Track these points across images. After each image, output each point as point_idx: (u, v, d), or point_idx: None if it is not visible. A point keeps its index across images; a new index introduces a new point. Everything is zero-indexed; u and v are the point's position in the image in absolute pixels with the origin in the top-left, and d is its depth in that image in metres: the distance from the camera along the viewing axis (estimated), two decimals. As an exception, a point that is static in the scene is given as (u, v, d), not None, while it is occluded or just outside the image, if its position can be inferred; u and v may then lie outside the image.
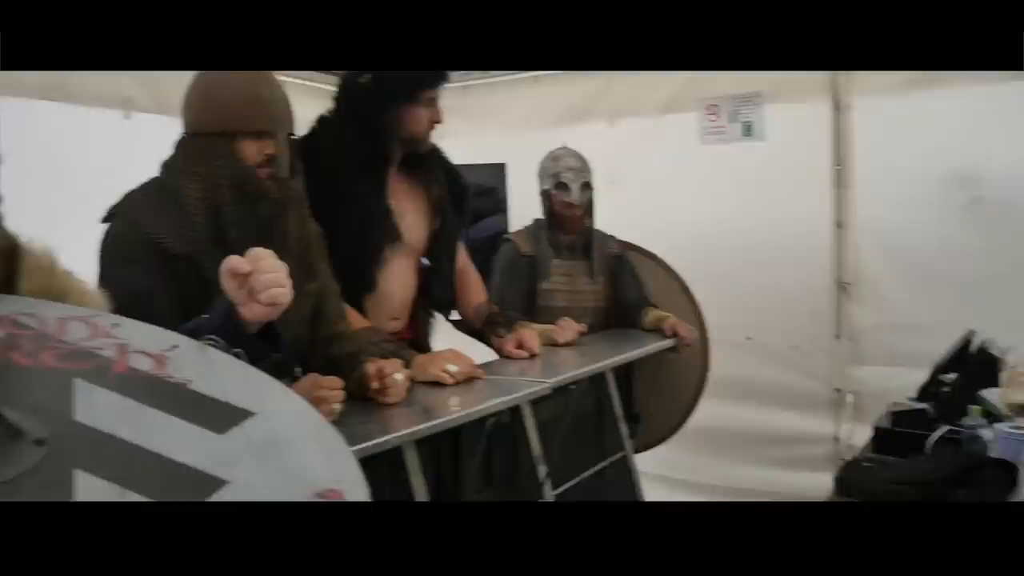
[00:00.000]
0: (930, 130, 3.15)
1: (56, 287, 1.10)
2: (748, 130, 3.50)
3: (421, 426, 1.60)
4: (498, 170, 4.13)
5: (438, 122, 2.17)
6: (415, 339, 2.24)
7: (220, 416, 0.81)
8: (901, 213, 3.26)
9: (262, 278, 1.15)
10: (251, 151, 1.56)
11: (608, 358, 2.41)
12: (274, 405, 0.87)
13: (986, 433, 2.38)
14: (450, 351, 2.05)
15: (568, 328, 2.56)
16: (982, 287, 3.08)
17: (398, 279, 2.17)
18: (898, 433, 2.63)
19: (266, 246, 1.22)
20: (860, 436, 2.86)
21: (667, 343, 2.72)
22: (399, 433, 1.55)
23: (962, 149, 3.10)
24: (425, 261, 2.24)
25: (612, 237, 3.00)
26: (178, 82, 3.29)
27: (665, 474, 3.56)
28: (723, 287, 3.37)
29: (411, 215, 2.18)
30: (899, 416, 2.75)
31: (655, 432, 3.05)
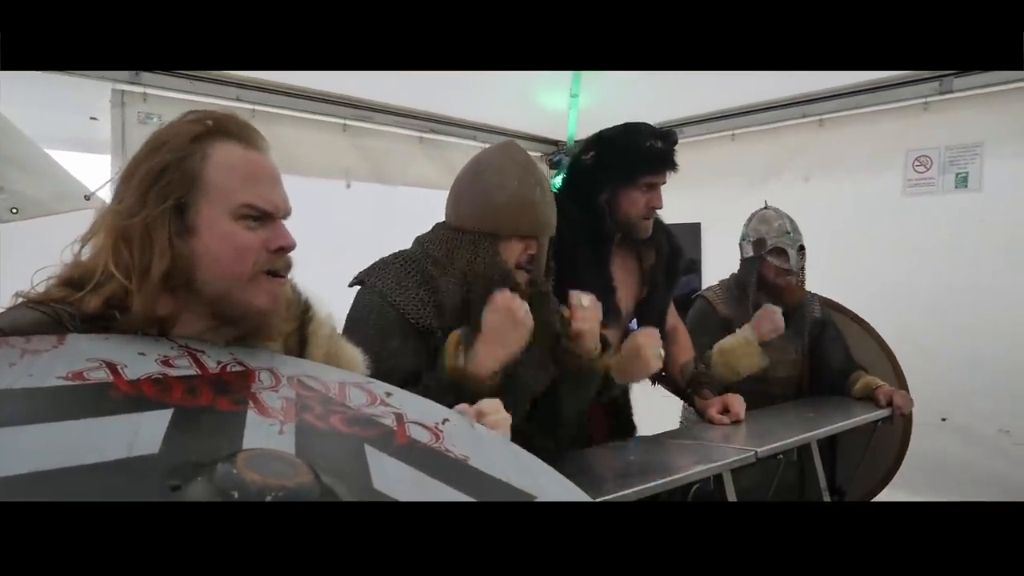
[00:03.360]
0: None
1: (334, 352, 1.22)
2: (963, 182, 3.28)
3: (627, 491, 1.57)
4: (693, 229, 4.11)
5: (656, 207, 2.17)
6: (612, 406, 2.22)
7: (504, 496, 0.87)
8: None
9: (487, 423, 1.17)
10: (514, 252, 1.62)
11: (815, 427, 2.29)
12: (551, 490, 0.91)
13: None
14: None
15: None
16: None
17: None
18: None
19: None
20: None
21: (882, 413, 2.55)
22: (604, 498, 1.52)
23: None
24: (632, 327, 2.26)
25: (816, 297, 2.86)
26: (388, 152, 3.62)
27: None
28: (920, 357, 3.07)
29: (623, 284, 2.20)
30: None
31: (850, 499, 2.86)
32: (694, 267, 3.96)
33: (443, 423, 1.02)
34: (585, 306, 1.70)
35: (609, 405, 2.16)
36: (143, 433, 0.74)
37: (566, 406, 1.80)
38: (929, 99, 3.28)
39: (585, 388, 1.82)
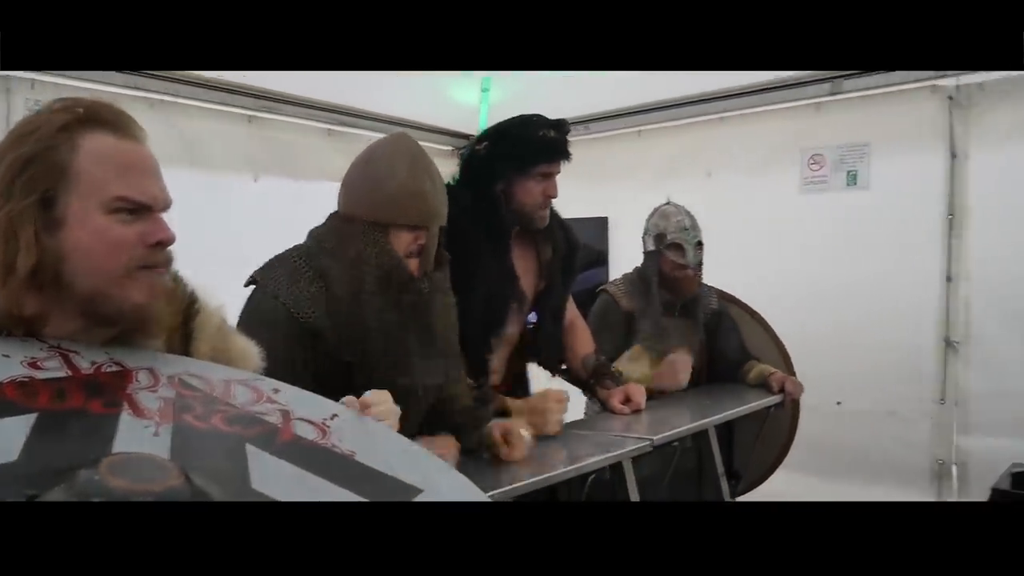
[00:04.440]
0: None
1: (222, 346, 1.20)
2: (853, 179, 3.45)
3: (521, 483, 1.60)
4: (600, 224, 4.19)
5: (552, 197, 2.20)
6: (510, 391, 2.25)
7: (389, 491, 0.87)
8: (1018, 267, 3.12)
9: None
10: (404, 242, 1.61)
11: (712, 414, 2.40)
12: (440, 483, 0.92)
13: (1119, 498, 2.26)
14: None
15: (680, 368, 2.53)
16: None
17: (503, 338, 2.22)
18: (1019, 496, 2.52)
19: (407, 335, 1.27)
20: (965, 513, 2.69)
21: (774, 399, 2.68)
22: (500, 490, 1.55)
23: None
24: (531, 319, 2.29)
25: (713, 290, 2.97)
26: (296, 145, 3.55)
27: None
28: (814, 346, 3.25)
29: (521, 276, 2.22)
30: (1019, 477, 2.63)
31: (744, 482, 2.99)
32: (602, 261, 4.05)
33: (331, 419, 1.02)
34: (527, 441, 1.75)
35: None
36: (1, 440, 0.71)
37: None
38: (821, 100, 3.45)
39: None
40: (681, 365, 2.56)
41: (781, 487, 3.19)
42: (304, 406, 1.03)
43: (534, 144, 2.12)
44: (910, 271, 3.33)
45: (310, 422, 0.99)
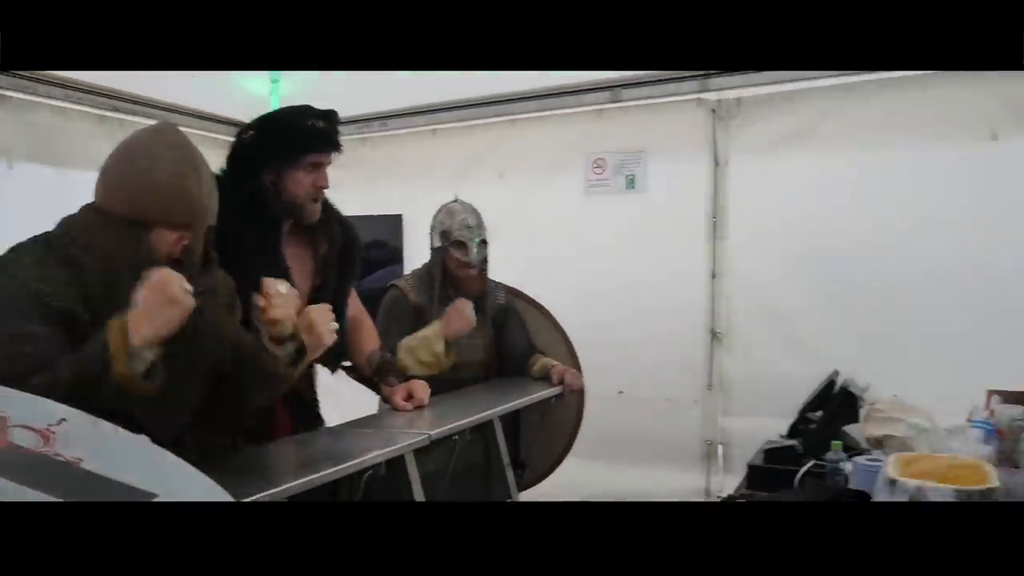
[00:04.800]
0: (802, 186, 3.40)
1: None
2: (631, 183, 3.69)
3: (295, 482, 1.55)
4: (394, 221, 4.20)
5: (323, 187, 2.15)
6: (295, 391, 2.17)
7: (118, 497, 0.82)
8: (771, 265, 3.49)
9: None
10: (166, 241, 1.51)
11: (491, 407, 2.47)
12: (180, 487, 0.88)
13: (846, 466, 2.58)
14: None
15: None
16: (842, 335, 3.33)
17: None
18: (770, 469, 2.81)
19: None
20: (731, 488, 2.98)
21: (554, 390, 2.80)
22: (272, 491, 1.48)
23: (832, 204, 3.34)
24: None
25: (500, 286, 3.05)
26: (60, 130, 3.26)
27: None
28: (598, 339, 3.47)
29: (297, 273, 2.15)
30: (771, 453, 2.94)
31: (533, 473, 3.13)
32: (397, 258, 4.06)
33: (58, 424, 0.95)
34: (282, 293, 1.66)
35: (294, 400, 2.14)
36: None
37: (246, 400, 1.76)
38: (603, 107, 3.66)
39: (271, 381, 1.76)
40: (464, 305, 2.60)
41: (570, 474, 3.37)
42: (26, 410, 0.95)
43: (303, 133, 2.07)
44: (681, 269, 3.63)
45: (32, 428, 0.92)
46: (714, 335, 3.64)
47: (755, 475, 2.82)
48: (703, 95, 3.48)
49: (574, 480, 3.49)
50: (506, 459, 2.63)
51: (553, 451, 3.13)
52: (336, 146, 2.15)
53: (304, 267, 2.22)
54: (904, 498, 1.96)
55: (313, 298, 2.21)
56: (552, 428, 3.01)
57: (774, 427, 3.06)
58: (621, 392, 3.72)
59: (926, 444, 2.74)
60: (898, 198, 3.20)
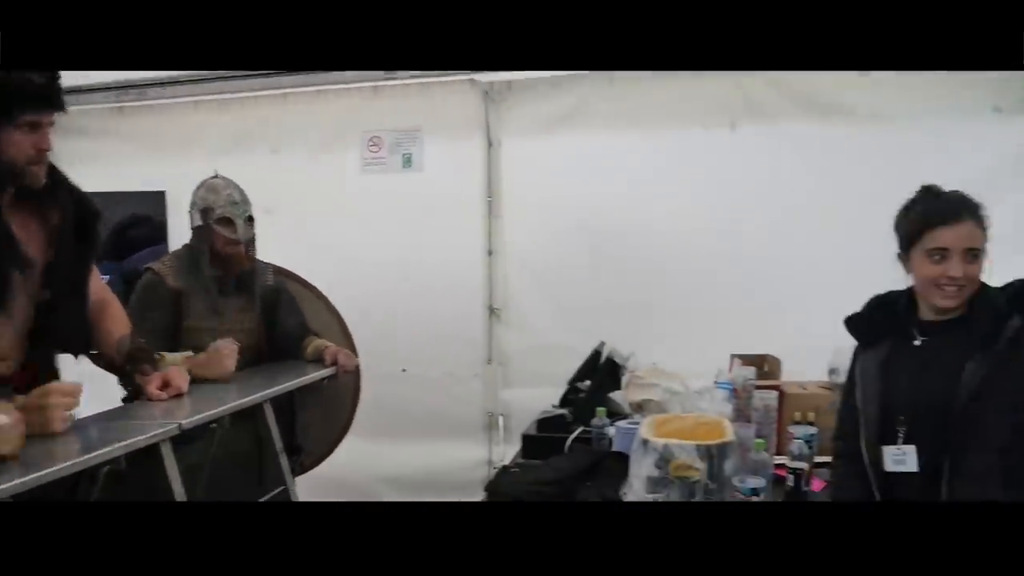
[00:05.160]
0: (573, 166, 3.55)
1: None
2: (408, 162, 3.68)
3: (12, 482, 1.40)
4: (158, 197, 3.91)
5: (44, 150, 1.92)
6: (32, 383, 1.90)
7: None
8: (545, 241, 3.63)
9: None
10: None
11: (263, 391, 2.37)
12: None
13: (611, 430, 2.75)
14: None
15: (226, 354, 2.46)
16: (610, 307, 3.53)
17: (6, 315, 1.91)
18: (542, 438, 2.94)
19: None
20: (511, 458, 3.08)
21: (327, 372, 2.74)
22: None
23: (598, 183, 3.52)
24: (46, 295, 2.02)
25: (269, 266, 2.92)
26: None
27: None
28: (379, 318, 3.53)
29: (26, 242, 1.92)
30: (543, 423, 3.07)
31: (312, 456, 3.07)
32: (161, 237, 3.79)
33: None
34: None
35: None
36: None
37: None
38: (378, 83, 3.61)
39: None
40: (226, 351, 2.47)
41: (358, 453, 3.37)
42: None
43: (16, 90, 1.85)
44: (458, 247, 3.69)
45: None
46: (492, 311, 3.74)
47: (529, 444, 2.94)
48: (475, 76, 3.53)
49: (361, 459, 3.50)
50: (279, 445, 2.54)
51: (331, 433, 3.07)
52: (57, 105, 1.93)
53: (35, 239, 1.99)
54: (654, 456, 2.13)
55: (47, 275, 2.00)
56: (329, 410, 2.95)
57: (551, 396, 3.20)
58: (404, 370, 3.74)
59: (679, 406, 2.98)
60: (654, 179, 3.45)
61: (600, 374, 3.16)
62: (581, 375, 3.22)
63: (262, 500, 2.48)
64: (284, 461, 2.58)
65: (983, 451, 1.60)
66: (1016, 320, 1.65)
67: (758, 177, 3.33)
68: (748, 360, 3.20)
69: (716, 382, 2.84)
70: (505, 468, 2.93)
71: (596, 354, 3.23)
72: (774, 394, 2.49)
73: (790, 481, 2.25)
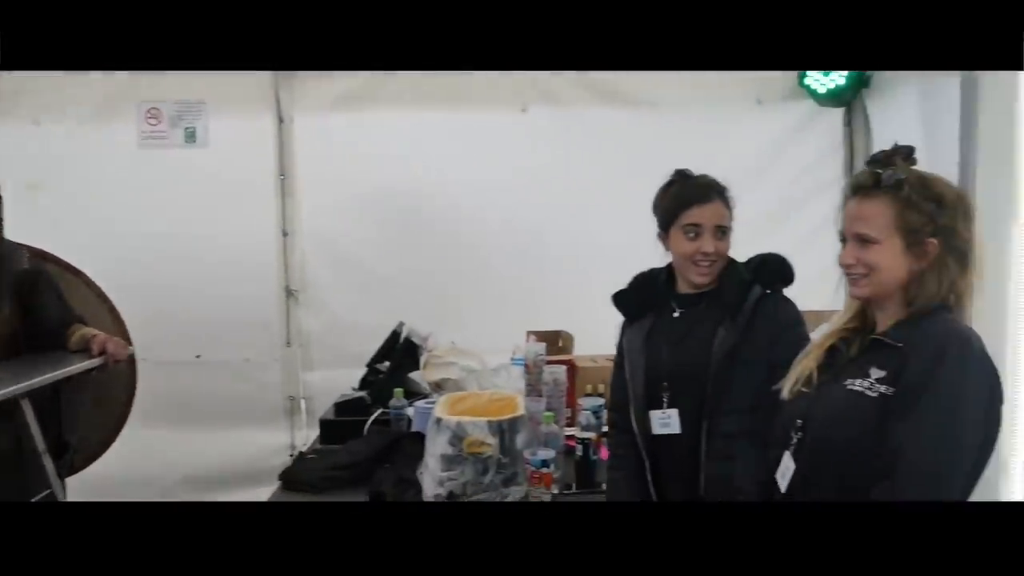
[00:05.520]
0: (368, 145, 3.48)
1: None
2: (192, 137, 3.45)
3: None
4: None
5: None
6: None
7: None
8: (342, 221, 3.56)
9: None
10: None
11: (16, 386, 2.14)
12: None
13: (409, 411, 2.75)
14: None
15: None
16: (410, 286, 3.53)
17: None
18: (341, 422, 2.88)
19: None
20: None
21: (93, 362, 2.51)
22: None
23: (395, 163, 3.49)
24: None
25: (23, 248, 2.62)
26: None
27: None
28: (167, 303, 3.33)
29: None
30: (341, 406, 3.01)
31: (83, 455, 2.82)
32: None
33: None
34: None
35: None
36: None
37: None
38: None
39: None
40: None
41: (151, 445, 3.23)
42: None
43: None
44: (251, 227, 3.53)
45: None
46: (289, 292, 3.62)
47: (328, 429, 2.88)
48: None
49: (153, 453, 3.32)
50: (40, 444, 2.31)
51: (104, 428, 2.84)
52: None
53: None
54: (448, 434, 2.15)
55: None
56: (100, 404, 2.72)
57: (354, 377, 3.17)
58: (199, 356, 3.55)
59: (476, 383, 3.04)
60: (450, 158, 3.48)
61: (399, 355, 3.15)
62: (380, 356, 3.20)
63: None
64: (48, 462, 2.35)
65: (734, 412, 1.74)
66: (757, 290, 1.81)
67: (549, 159, 3.45)
68: (542, 336, 3.31)
69: (512, 359, 2.91)
70: (302, 455, 2.86)
71: (395, 335, 3.22)
72: (563, 368, 2.59)
73: (579, 451, 2.35)
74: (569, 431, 2.58)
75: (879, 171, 1.37)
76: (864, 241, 1.37)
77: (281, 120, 3.49)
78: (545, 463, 2.14)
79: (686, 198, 1.83)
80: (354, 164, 3.49)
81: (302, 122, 3.51)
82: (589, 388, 2.72)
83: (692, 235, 1.80)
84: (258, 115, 3.47)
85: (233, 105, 3.45)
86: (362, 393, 3.06)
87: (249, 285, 3.54)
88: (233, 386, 3.56)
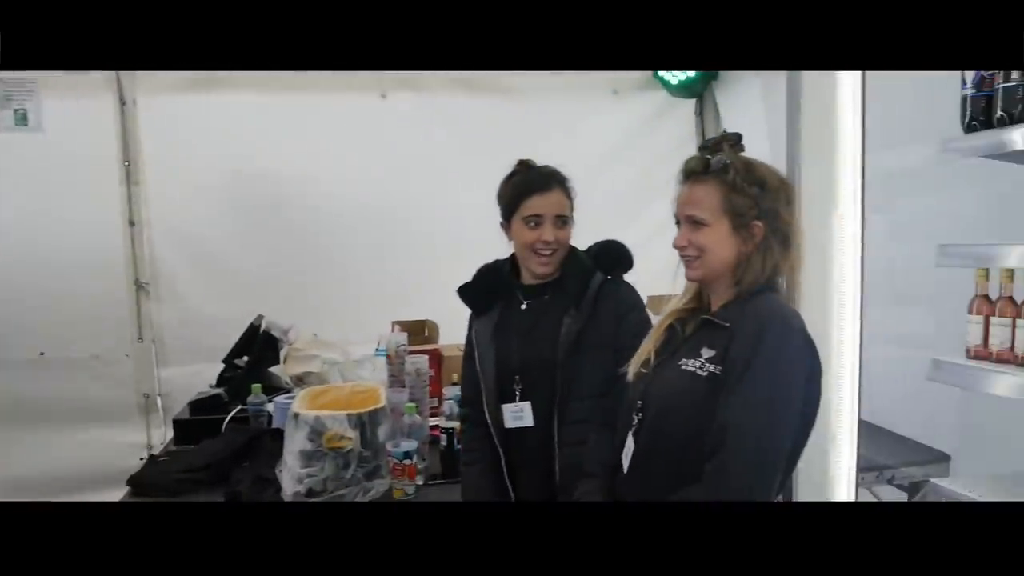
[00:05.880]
0: (219, 129, 3.33)
1: None
2: (23, 119, 3.19)
3: None
4: None
5: None
6: None
7: None
8: (194, 209, 3.39)
9: None
10: None
11: None
12: None
13: (269, 407, 2.66)
14: None
15: None
16: (269, 277, 3.42)
17: None
18: (196, 421, 2.76)
19: None
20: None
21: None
22: None
23: (249, 149, 3.36)
24: None
25: None
26: None
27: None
28: (5, 300, 3.12)
29: None
30: (196, 405, 2.89)
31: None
32: None
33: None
34: None
35: None
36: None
37: None
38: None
39: None
40: None
41: None
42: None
43: None
44: (94, 217, 3.32)
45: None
46: (139, 285, 3.44)
47: (182, 429, 2.75)
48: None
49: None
50: None
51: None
52: None
53: None
54: (306, 429, 2.09)
55: None
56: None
57: (211, 371, 3.06)
58: (43, 354, 3.33)
59: (339, 376, 2.99)
60: (306, 143, 3.38)
61: (258, 349, 3.05)
62: (238, 351, 3.09)
63: None
64: None
65: (582, 398, 1.75)
66: (598, 276, 1.82)
67: (411, 145, 3.41)
68: (407, 326, 3.28)
69: (376, 350, 2.87)
70: (153, 458, 2.71)
71: (253, 328, 3.11)
72: (425, 358, 2.58)
73: (444, 441, 2.35)
74: (434, 421, 2.58)
75: (708, 156, 1.42)
76: (695, 223, 1.42)
77: (123, 102, 3.29)
78: (408, 455, 2.13)
79: (527, 188, 1.82)
80: (205, 150, 3.34)
81: (146, 104, 3.32)
82: (456, 377, 2.72)
83: (533, 224, 1.80)
84: (97, 96, 3.24)
85: (69, 85, 3.20)
86: (219, 390, 2.96)
87: (94, 278, 3.34)
88: (82, 384, 3.37)
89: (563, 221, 1.82)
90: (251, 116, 3.32)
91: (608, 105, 3.55)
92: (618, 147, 3.50)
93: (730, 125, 3.60)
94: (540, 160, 1.90)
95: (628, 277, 1.89)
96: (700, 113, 3.73)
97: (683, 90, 3.61)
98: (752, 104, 3.18)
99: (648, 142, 3.60)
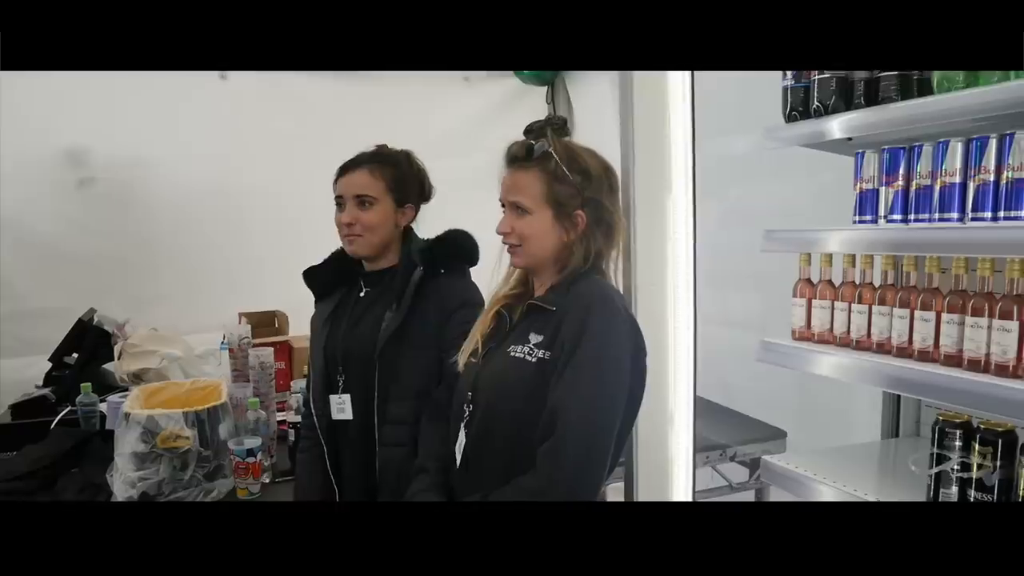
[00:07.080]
0: (43, 105, 3.04)
1: None
2: None
3: None
4: None
5: None
6: None
7: None
8: (18, 192, 3.07)
9: None
10: None
11: None
12: None
13: (103, 406, 2.49)
14: None
15: None
16: (103, 265, 3.18)
17: None
18: (19, 426, 2.54)
19: None
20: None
21: None
22: None
23: (71, 128, 3.10)
24: None
25: None
26: None
27: None
28: None
29: None
30: (18, 408, 2.67)
31: None
32: None
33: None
34: None
35: None
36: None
37: None
38: None
39: None
40: None
41: None
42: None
43: None
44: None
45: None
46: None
47: (2, 434, 2.53)
48: None
49: None
50: None
51: None
52: None
53: None
54: (138, 430, 1.97)
55: None
56: None
57: (40, 365, 2.88)
58: None
59: (181, 372, 2.83)
60: (143, 123, 3.14)
61: (89, 345, 2.85)
62: (66, 348, 2.87)
63: None
64: None
65: (402, 397, 1.68)
66: (419, 272, 1.72)
67: (254, 126, 3.26)
68: (255, 317, 3.16)
69: (222, 343, 2.74)
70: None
71: (81, 323, 2.90)
72: (270, 351, 2.48)
73: (292, 436, 2.27)
74: (282, 416, 2.49)
75: (532, 142, 1.40)
76: (519, 210, 1.40)
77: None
78: (251, 452, 2.04)
79: (338, 170, 1.77)
80: (28, 127, 3.03)
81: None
82: (307, 370, 2.64)
83: (338, 205, 1.76)
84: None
85: None
86: (46, 391, 2.74)
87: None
88: None
89: (365, 202, 1.74)
90: (80, 92, 3.02)
91: (459, 91, 3.53)
92: (470, 134, 3.48)
93: (581, 112, 3.66)
94: (391, 146, 1.84)
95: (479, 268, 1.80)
96: (552, 100, 3.78)
97: (534, 78, 3.65)
98: (602, 91, 3.24)
99: (500, 128, 3.59)
